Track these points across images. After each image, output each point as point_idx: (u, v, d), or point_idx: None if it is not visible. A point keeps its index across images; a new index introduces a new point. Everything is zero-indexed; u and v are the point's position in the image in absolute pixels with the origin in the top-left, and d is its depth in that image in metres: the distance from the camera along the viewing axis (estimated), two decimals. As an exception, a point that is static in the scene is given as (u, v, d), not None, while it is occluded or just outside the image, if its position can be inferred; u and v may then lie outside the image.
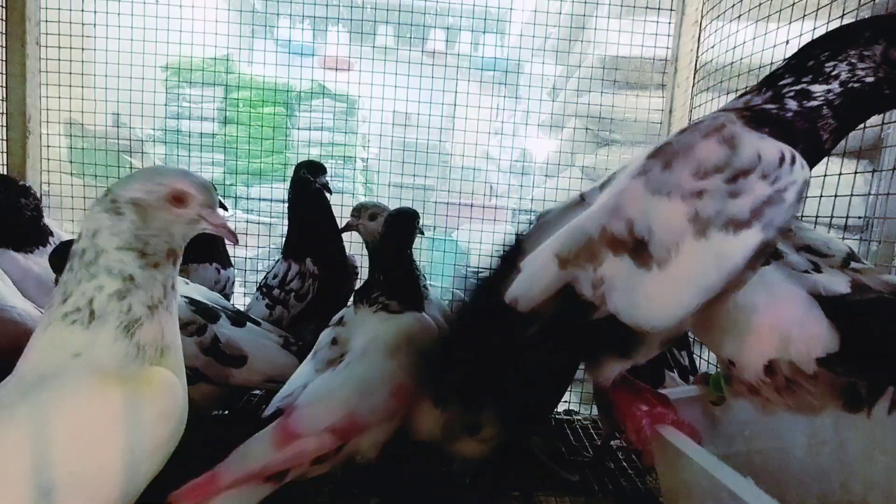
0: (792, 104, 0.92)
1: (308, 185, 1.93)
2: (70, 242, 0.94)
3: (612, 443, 1.71)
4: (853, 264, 1.05)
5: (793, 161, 0.86)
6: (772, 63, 1.59)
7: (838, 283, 1.00)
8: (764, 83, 0.97)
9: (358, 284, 2.08)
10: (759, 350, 1.01)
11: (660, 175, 0.89)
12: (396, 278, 1.42)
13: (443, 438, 1.30)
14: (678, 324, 0.94)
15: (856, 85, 0.90)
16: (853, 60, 0.90)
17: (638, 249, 0.87)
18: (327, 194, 1.95)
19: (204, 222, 0.94)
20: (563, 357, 1.08)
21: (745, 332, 1.02)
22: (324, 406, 1.17)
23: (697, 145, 0.89)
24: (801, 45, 0.99)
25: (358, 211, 1.76)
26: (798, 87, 0.93)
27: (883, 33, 0.89)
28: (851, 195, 1.39)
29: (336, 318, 1.44)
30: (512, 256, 1.04)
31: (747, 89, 1.00)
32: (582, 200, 1.05)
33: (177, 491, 0.97)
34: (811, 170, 0.92)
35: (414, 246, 1.50)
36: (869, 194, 1.44)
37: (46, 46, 2.25)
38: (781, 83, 0.94)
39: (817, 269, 1.03)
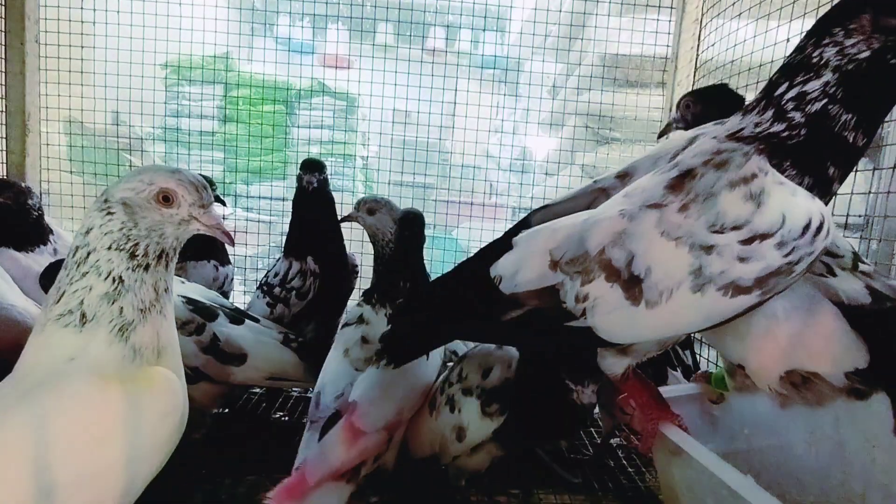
0: (797, 116, 0.84)
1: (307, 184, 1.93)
2: (59, 262, 0.94)
3: (611, 441, 1.71)
4: (861, 266, 1.00)
5: (818, 230, 0.79)
6: (772, 61, 1.59)
7: (857, 291, 0.95)
8: (763, 95, 0.90)
9: (358, 283, 2.08)
10: (779, 359, 0.98)
11: (674, 216, 0.83)
12: (406, 281, 1.46)
13: (438, 450, 1.32)
14: (655, 343, 0.96)
15: (850, 66, 0.81)
16: (839, 39, 0.81)
17: (631, 283, 0.85)
18: (309, 190, 1.88)
19: (196, 223, 0.91)
20: (539, 346, 1.08)
21: (763, 339, 0.98)
22: (382, 405, 1.22)
23: (721, 196, 0.82)
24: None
25: (357, 206, 1.76)
26: (794, 93, 0.84)
27: (865, 2, 0.81)
28: (852, 193, 1.39)
29: (354, 315, 1.46)
30: (514, 232, 1.04)
31: (748, 105, 0.92)
32: (595, 185, 1.04)
33: (272, 492, 1.01)
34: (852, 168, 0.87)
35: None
36: (869, 192, 1.43)
37: (46, 44, 2.25)
38: (778, 92, 0.86)
39: (831, 272, 0.98)
